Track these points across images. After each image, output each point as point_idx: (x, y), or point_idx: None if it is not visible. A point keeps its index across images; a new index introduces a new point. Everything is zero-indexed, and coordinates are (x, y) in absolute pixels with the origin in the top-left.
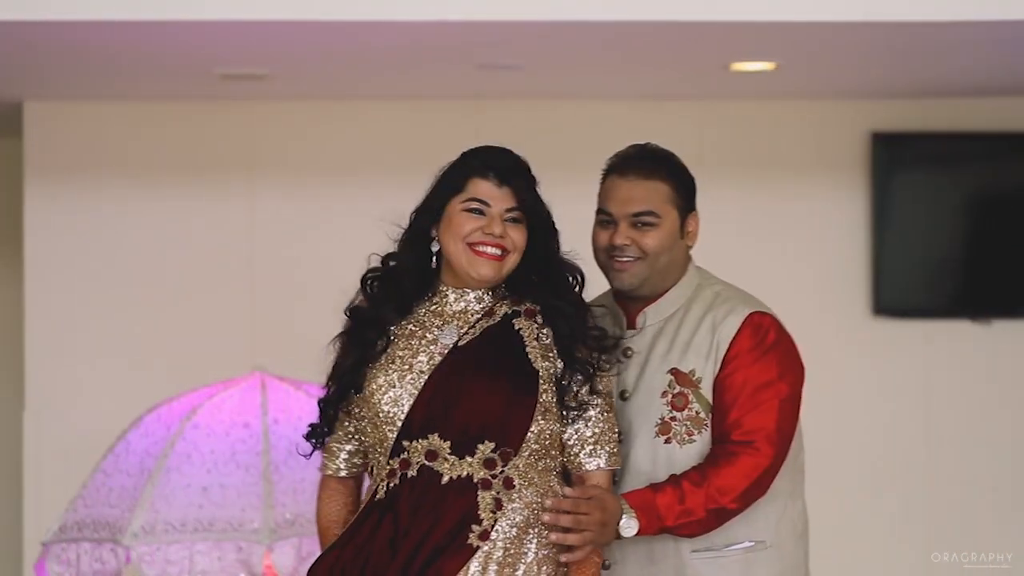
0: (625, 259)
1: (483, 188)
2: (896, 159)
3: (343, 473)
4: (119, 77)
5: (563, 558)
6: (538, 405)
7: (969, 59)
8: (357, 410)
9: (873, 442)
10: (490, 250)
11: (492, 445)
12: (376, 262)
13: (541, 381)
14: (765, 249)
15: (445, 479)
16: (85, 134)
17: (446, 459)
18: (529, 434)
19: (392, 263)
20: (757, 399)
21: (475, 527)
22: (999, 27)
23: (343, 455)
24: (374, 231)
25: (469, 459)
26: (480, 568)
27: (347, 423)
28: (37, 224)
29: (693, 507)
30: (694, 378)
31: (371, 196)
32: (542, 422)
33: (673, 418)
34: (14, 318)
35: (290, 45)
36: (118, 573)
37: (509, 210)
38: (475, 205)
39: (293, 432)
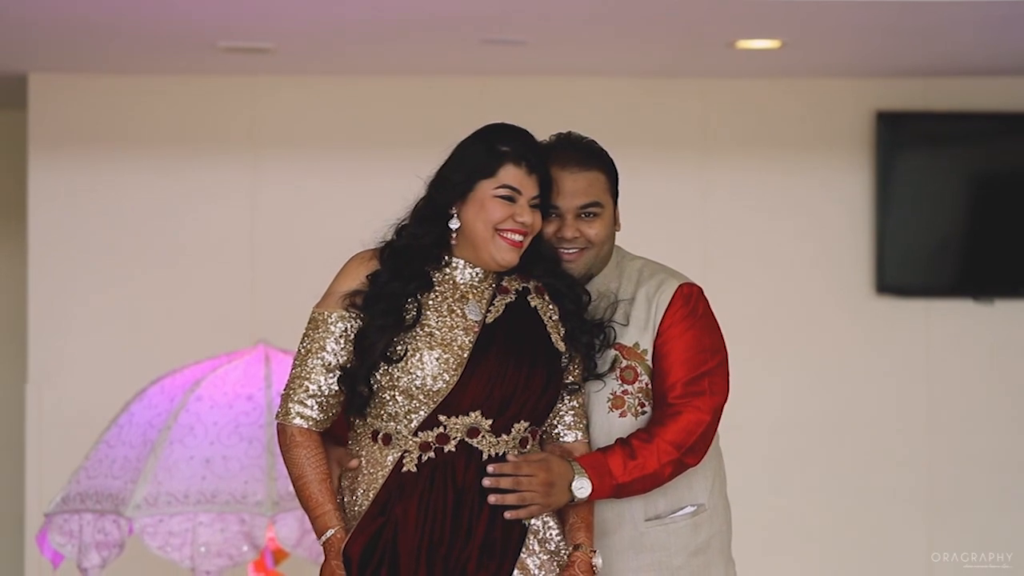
0: (573, 250)
1: (516, 176)
2: (900, 138)
3: (320, 428)
4: (123, 50)
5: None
6: (562, 385)
7: (974, 38)
8: (382, 379)
9: (874, 419)
10: (516, 237)
11: (527, 424)
12: (392, 229)
13: (563, 361)
14: (769, 227)
15: (485, 456)
16: (89, 107)
17: (485, 436)
18: (555, 412)
19: (410, 234)
20: (693, 362)
21: None
22: (1004, 6)
23: (325, 409)
24: (375, 204)
25: (505, 437)
26: (539, 545)
27: (328, 380)
28: (41, 196)
29: (644, 462)
30: (639, 350)
31: (373, 170)
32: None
33: (625, 391)
34: (17, 291)
35: (294, 19)
36: (121, 544)
37: (533, 197)
38: (508, 193)
39: None
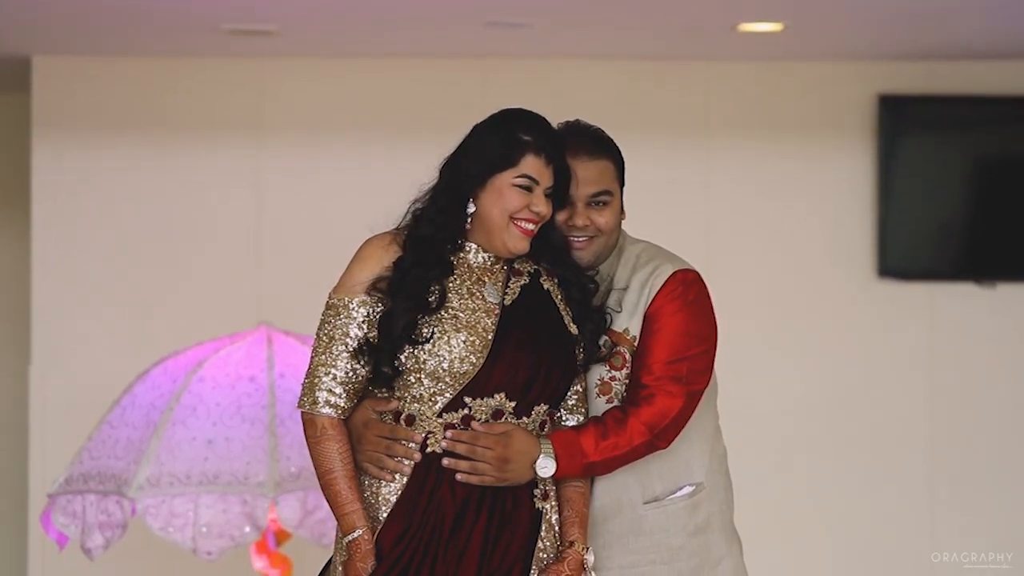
0: (583, 238)
1: (535, 166)
2: (903, 122)
3: (347, 416)
4: (127, 33)
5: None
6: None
7: (977, 22)
8: (407, 361)
9: (876, 402)
10: (530, 226)
11: (546, 407)
12: (405, 212)
13: (576, 344)
14: (771, 211)
15: None
16: (93, 90)
17: (508, 419)
18: (567, 395)
19: (428, 218)
20: (675, 346)
21: (536, 490)
22: None
23: (351, 396)
24: (379, 186)
25: (526, 419)
26: (546, 529)
27: (354, 366)
28: (44, 179)
29: (617, 441)
30: (628, 336)
31: (378, 153)
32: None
33: (613, 378)
34: (21, 273)
35: (298, 1)
36: (123, 525)
37: (548, 187)
38: (527, 183)
39: (298, 386)
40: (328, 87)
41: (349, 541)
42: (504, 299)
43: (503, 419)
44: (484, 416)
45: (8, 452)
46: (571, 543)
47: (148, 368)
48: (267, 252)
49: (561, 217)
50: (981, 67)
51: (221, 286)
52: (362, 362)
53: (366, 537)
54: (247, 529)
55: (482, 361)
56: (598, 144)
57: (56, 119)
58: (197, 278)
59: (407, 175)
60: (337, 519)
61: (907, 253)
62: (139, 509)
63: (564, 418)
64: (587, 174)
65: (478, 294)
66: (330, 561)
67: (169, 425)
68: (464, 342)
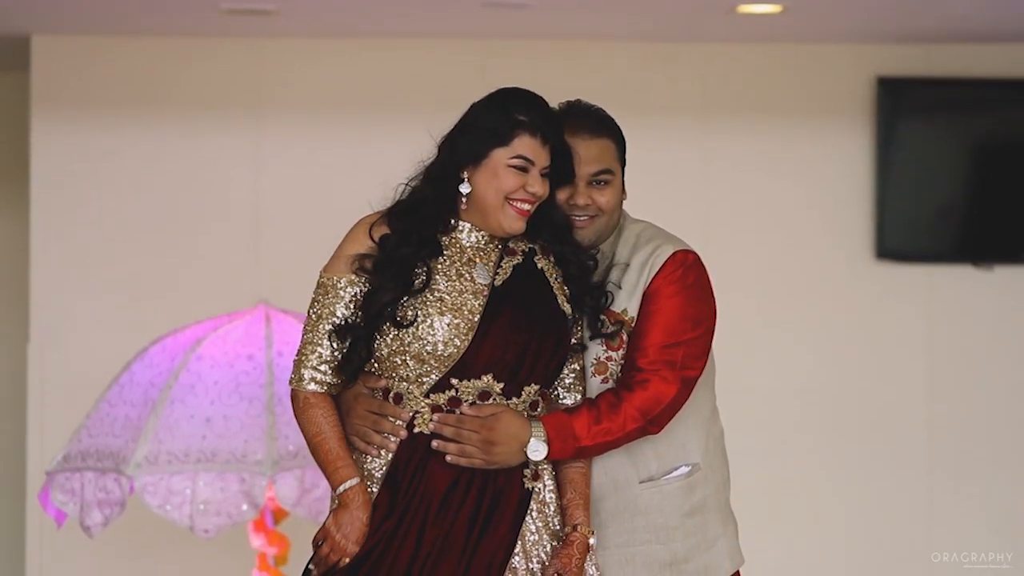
0: (584, 217)
1: (530, 146)
2: (901, 104)
3: (334, 392)
4: (126, 12)
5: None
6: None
7: (976, 4)
8: (393, 343)
9: (873, 383)
10: (525, 206)
11: (537, 387)
12: (400, 191)
13: (569, 323)
14: (769, 193)
15: None
16: (92, 68)
17: (497, 400)
18: (561, 374)
19: (420, 196)
20: (671, 329)
21: (527, 471)
22: None
23: (338, 374)
24: (378, 166)
25: (515, 400)
26: (537, 510)
27: (336, 344)
28: (43, 158)
29: (610, 426)
30: (626, 316)
31: (376, 132)
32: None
33: (609, 358)
34: (20, 252)
35: None
36: (122, 502)
37: (545, 167)
38: (522, 163)
39: None
40: (328, 67)
41: (344, 491)
42: (495, 279)
43: (491, 400)
44: (470, 397)
45: (6, 431)
46: (575, 526)
47: (146, 347)
48: (266, 231)
49: (562, 196)
50: (980, 50)
51: (220, 265)
52: (339, 343)
53: (362, 487)
54: (245, 507)
55: (467, 344)
56: (599, 123)
57: (55, 98)
58: (196, 257)
59: (406, 155)
60: (329, 477)
61: (905, 235)
62: (137, 487)
63: (561, 396)
64: (588, 153)
65: (467, 275)
66: (307, 570)
67: (167, 403)
68: (448, 325)
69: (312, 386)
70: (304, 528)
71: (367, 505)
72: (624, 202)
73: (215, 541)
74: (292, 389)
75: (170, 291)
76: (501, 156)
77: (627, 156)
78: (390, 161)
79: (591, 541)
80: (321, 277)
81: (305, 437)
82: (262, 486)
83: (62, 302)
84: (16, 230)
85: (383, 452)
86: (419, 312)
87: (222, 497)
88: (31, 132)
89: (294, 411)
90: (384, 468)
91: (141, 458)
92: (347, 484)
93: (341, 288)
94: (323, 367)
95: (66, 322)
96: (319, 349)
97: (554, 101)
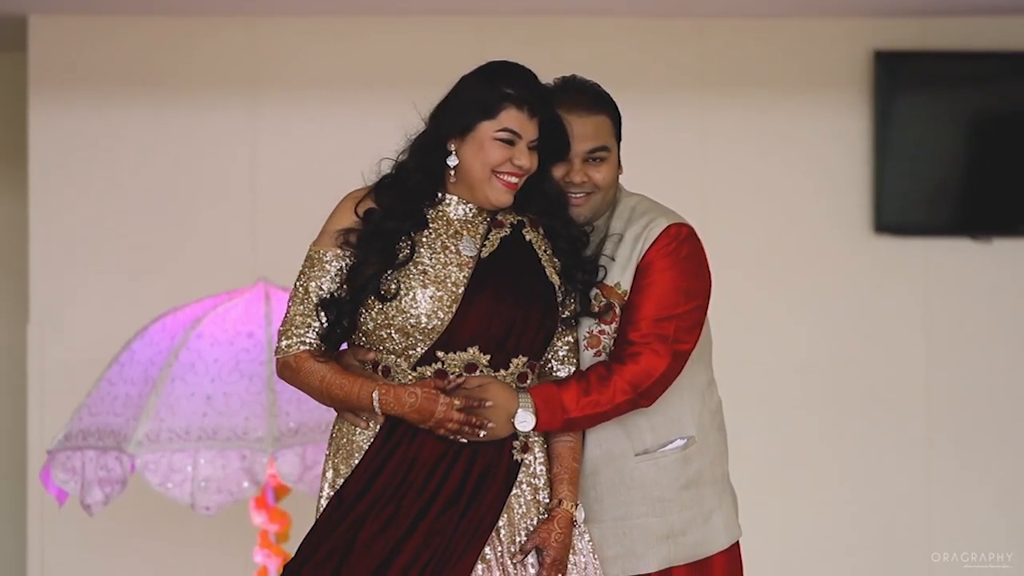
0: (580, 194)
1: (517, 119)
2: (899, 78)
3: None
4: None
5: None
6: (559, 319)
7: None
8: (378, 317)
9: (872, 357)
10: (512, 180)
11: (525, 359)
12: (387, 165)
13: (558, 295)
14: (767, 167)
15: None
16: (90, 48)
17: (484, 372)
18: (550, 346)
19: (406, 169)
20: (664, 302)
21: (516, 442)
22: None
23: (315, 343)
24: (375, 143)
25: (503, 372)
26: (527, 483)
27: (321, 316)
28: (41, 138)
29: (599, 398)
30: (620, 291)
31: (373, 111)
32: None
33: (602, 331)
34: (19, 231)
35: None
36: (123, 481)
37: (532, 140)
38: (508, 136)
39: None
40: (325, 45)
41: (379, 400)
42: (481, 252)
43: (477, 372)
44: (456, 370)
45: (7, 410)
46: (560, 501)
47: (146, 325)
48: (264, 209)
49: (558, 173)
50: (977, 23)
51: (219, 243)
52: (324, 315)
53: (387, 385)
54: (246, 484)
55: (451, 316)
56: (595, 99)
57: (53, 78)
58: (195, 236)
59: (403, 133)
60: (357, 405)
61: (903, 209)
62: (138, 465)
63: (555, 368)
64: (584, 130)
65: (452, 248)
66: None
67: (168, 381)
68: (431, 297)
69: (298, 347)
70: (305, 505)
71: (403, 387)
72: (620, 178)
73: (216, 518)
74: (278, 359)
75: (169, 270)
76: (487, 128)
77: (623, 132)
78: (387, 139)
79: (576, 515)
80: (309, 250)
81: (311, 392)
82: (263, 463)
83: (61, 282)
84: (15, 210)
85: (371, 423)
86: (402, 285)
87: (223, 474)
88: (29, 112)
89: (288, 379)
90: (371, 440)
91: (142, 436)
92: (375, 396)
93: (327, 262)
94: (307, 337)
95: (66, 302)
96: (304, 319)
97: (551, 77)
